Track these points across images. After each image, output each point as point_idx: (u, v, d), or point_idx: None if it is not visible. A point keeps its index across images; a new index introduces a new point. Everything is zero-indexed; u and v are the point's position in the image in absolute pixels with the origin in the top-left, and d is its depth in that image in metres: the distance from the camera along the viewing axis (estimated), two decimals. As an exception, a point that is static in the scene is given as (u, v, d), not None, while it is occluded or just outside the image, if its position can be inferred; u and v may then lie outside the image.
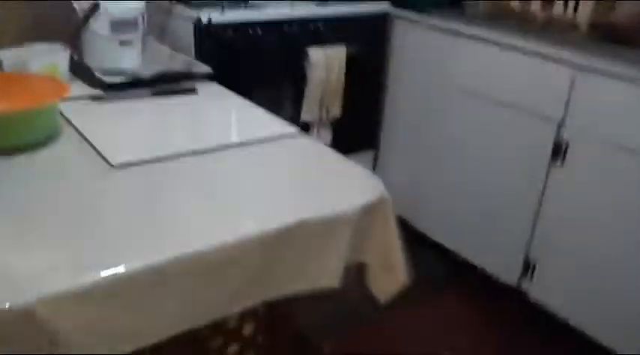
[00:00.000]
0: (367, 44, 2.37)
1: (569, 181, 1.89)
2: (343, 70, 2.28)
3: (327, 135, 2.38)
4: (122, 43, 1.72)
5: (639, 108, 1.69)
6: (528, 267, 2.08)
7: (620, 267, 1.80)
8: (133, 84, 1.61)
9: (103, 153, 1.23)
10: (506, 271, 2.15)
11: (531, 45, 1.95)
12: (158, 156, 1.24)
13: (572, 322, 1.96)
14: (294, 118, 2.23)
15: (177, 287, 0.95)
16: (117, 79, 1.60)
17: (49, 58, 1.56)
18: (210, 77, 1.76)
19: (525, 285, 2.10)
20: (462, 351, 1.94)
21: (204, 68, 1.75)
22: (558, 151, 1.90)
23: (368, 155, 2.63)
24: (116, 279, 0.89)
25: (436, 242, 2.40)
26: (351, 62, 2.29)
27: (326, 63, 2.21)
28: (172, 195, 1.14)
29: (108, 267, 0.89)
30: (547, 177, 1.95)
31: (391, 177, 2.53)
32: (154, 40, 1.99)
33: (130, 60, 1.75)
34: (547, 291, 2.04)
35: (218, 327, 1.26)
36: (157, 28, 2.05)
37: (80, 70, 1.68)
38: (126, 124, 1.44)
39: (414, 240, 2.38)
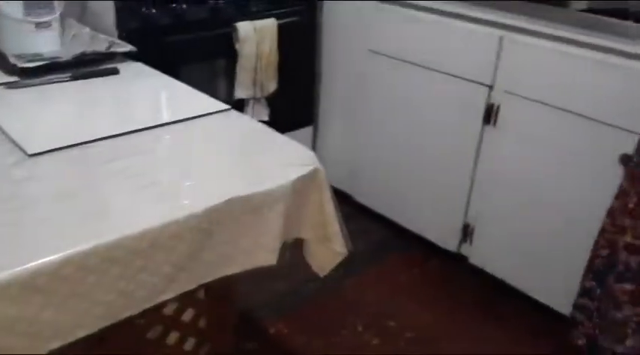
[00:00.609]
0: (298, 15, 2.33)
1: (502, 143, 1.91)
2: (275, 44, 2.23)
3: (264, 112, 2.33)
4: (38, 25, 1.64)
5: (565, 67, 1.72)
6: (467, 232, 2.11)
7: (555, 227, 1.84)
8: (50, 68, 1.53)
9: (18, 141, 1.17)
10: (446, 237, 2.17)
11: (459, 8, 1.95)
12: (78, 142, 1.18)
13: (513, 284, 1.99)
14: (228, 96, 2.18)
15: (102, 277, 0.91)
16: (32, 64, 1.52)
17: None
18: (134, 57, 1.70)
19: (465, 250, 2.13)
20: (406, 319, 1.96)
21: (126, 47, 1.68)
22: (490, 113, 1.91)
23: (307, 132, 2.59)
24: (35, 273, 0.85)
25: (377, 213, 2.40)
26: (282, 35, 2.24)
27: (256, 37, 2.16)
28: (94, 182, 1.09)
29: (26, 262, 0.85)
30: (480, 140, 1.96)
31: (330, 152, 2.52)
32: (75, 21, 1.89)
33: (48, 43, 1.67)
34: (486, 254, 2.07)
35: (156, 315, 1.22)
36: (77, 8, 1.96)
37: (-7, 57, 1.59)
38: (43, 110, 1.37)
39: (356, 212, 2.39)
